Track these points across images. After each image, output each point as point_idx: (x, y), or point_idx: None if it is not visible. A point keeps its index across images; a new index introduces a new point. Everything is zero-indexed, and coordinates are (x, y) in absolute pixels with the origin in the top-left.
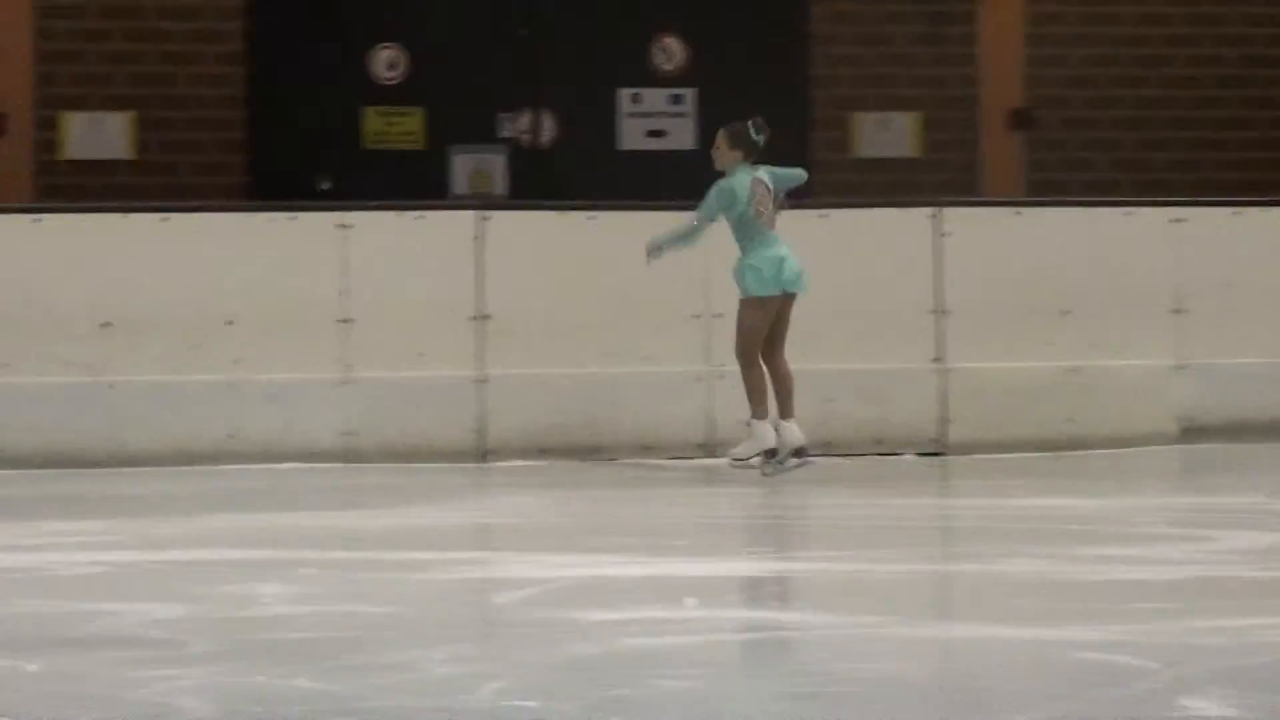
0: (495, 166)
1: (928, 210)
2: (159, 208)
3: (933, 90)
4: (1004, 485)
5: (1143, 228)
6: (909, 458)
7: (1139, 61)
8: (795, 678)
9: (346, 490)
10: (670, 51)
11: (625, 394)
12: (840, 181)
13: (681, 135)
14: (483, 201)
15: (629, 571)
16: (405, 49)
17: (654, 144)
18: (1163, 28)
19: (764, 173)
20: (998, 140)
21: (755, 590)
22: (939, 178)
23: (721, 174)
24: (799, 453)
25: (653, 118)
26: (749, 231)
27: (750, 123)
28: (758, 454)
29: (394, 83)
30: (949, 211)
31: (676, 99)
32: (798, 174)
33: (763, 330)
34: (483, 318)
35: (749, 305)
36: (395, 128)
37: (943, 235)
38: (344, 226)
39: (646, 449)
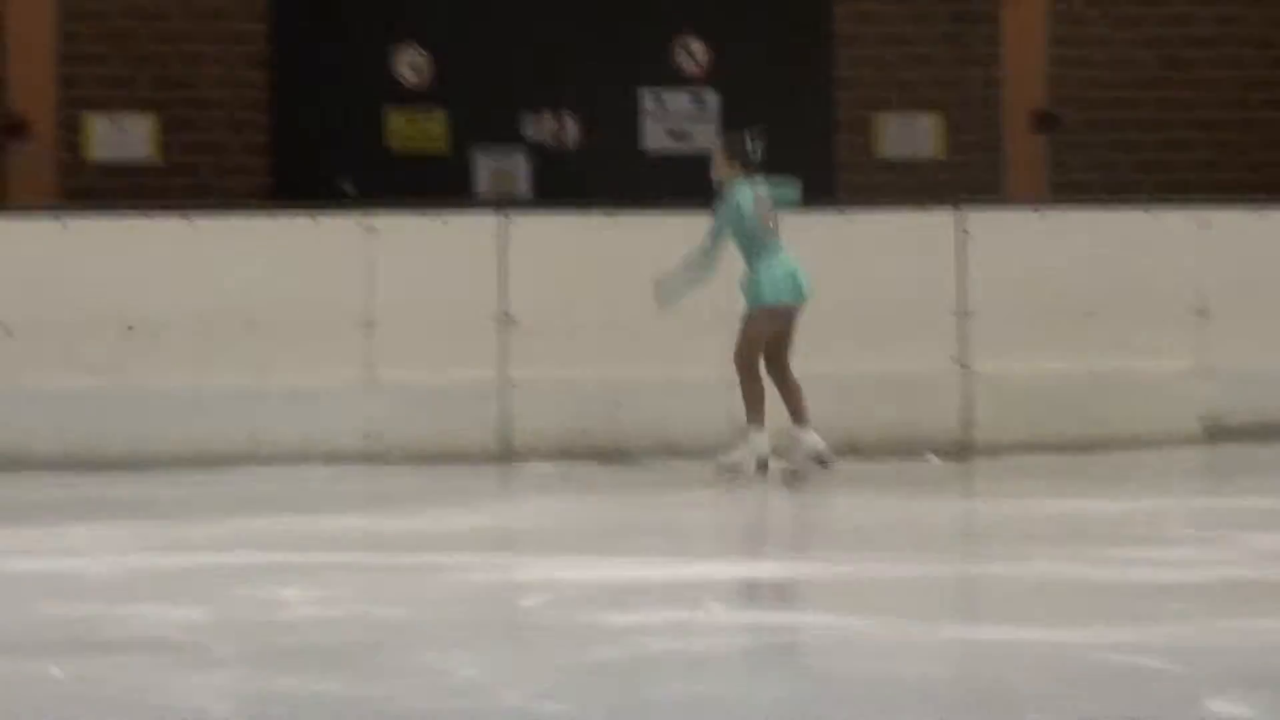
0: (518, 168)
1: (951, 211)
2: (182, 210)
3: (956, 91)
4: (1027, 487)
5: (1166, 229)
6: (932, 460)
7: (1162, 62)
8: (820, 680)
9: (370, 493)
10: (692, 53)
11: (648, 396)
12: (863, 182)
13: (704, 137)
14: (505, 203)
15: (653, 574)
16: (428, 51)
17: (676, 145)
18: (1186, 28)
19: (760, 184)
20: (1021, 141)
21: (779, 593)
22: (962, 178)
23: (712, 185)
24: (820, 458)
25: (675, 119)
26: (757, 243)
27: (746, 134)
28: (750, 461)
29: (417, 85)
30: (972, 213)
31: (699, 100)
32: (792, 192)
33: (765, 339)
34: (506, 319)
35: (759, 315)
36: (418, 129)
37: (966, 237)
38: (367, 228)
39: (670, 451)
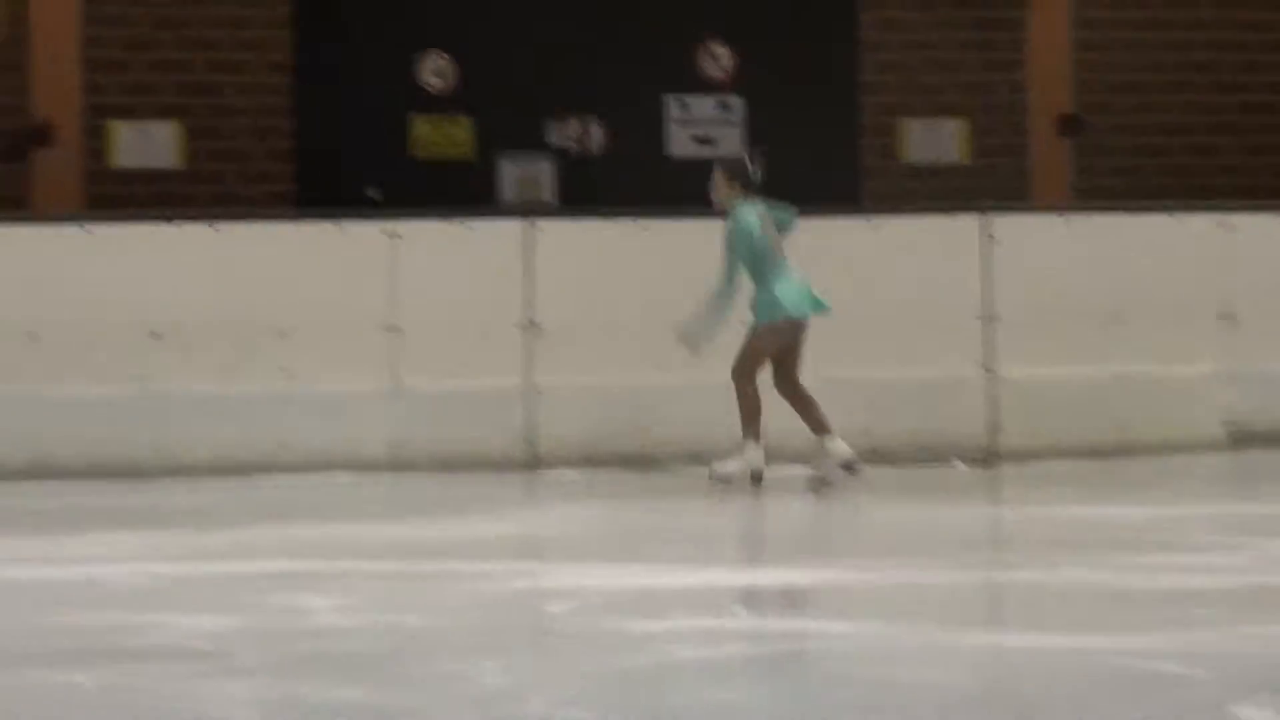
0: (543, 174)
1: (977, 217)
2: (207, 216)
3: (981, 96)
4: (1053, 493)
5: (1191, 233)
6: (959, 466)
7: (1187, 66)
8: (845, 687)
9: (396, 500)
10: (718, 58)
11: (674, 403)
12: (888, 188)
13: (729, 142)
14: (531, 209)
15: (679, 581)
16: (452, 57)
17: (702, 151)
18: (1210, 32)
19: (761, 206)
20: (1046, 146)
21: (805, 599)
22: (987, 184)
23: (708, 205)
24: (848, 465)
25: (700, 125)
26: (766, 263)
27: (747, 156)
28: (744, 473)
29: (441, 91)
30: (998, 218)
31: (724, 106)
32: (789, 216)
33: (766, 356)
34: (532, 326)
35: (764, 332)
36: (443, 136)
37: (991, 242)
38: (392, 235)
39: (696, 458)
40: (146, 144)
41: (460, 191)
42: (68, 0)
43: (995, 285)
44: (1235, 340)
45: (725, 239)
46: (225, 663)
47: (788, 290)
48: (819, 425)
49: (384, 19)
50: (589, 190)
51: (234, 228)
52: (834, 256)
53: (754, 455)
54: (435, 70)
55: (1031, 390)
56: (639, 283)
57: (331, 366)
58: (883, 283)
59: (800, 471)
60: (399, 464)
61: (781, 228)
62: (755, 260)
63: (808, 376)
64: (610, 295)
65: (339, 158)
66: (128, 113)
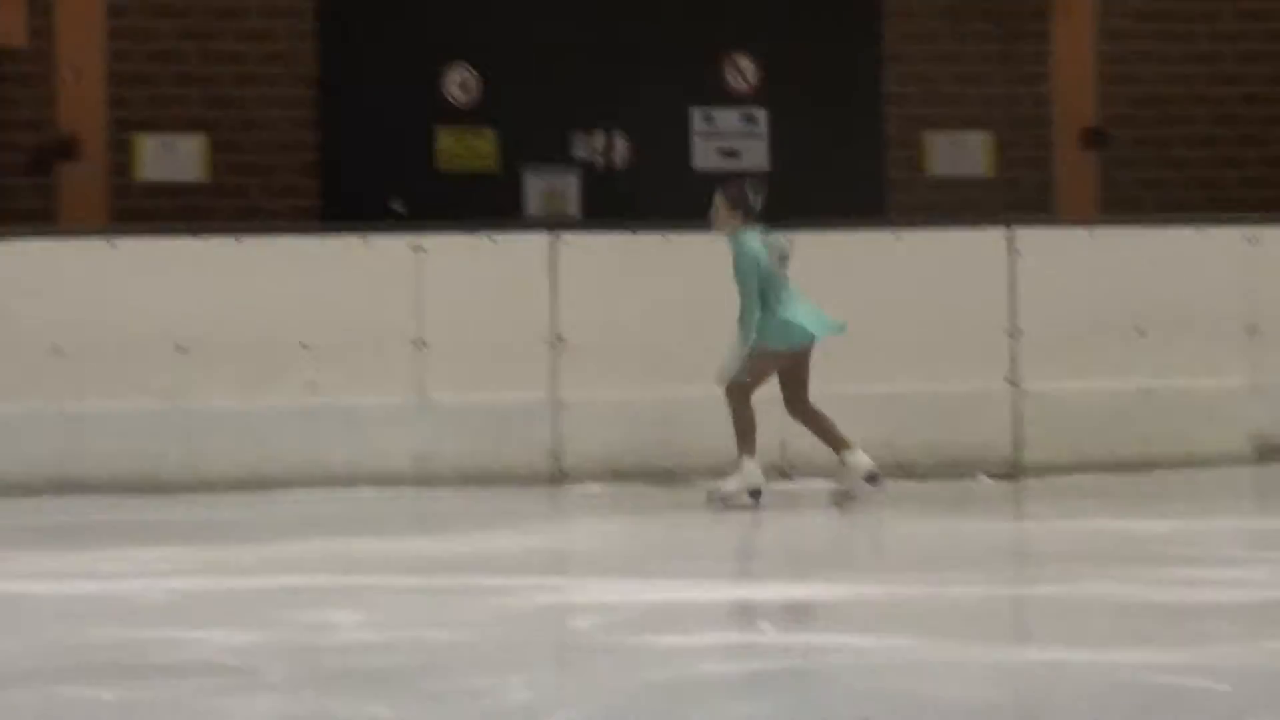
0: (568, 187)
1: (1001, 230)
2: (232, 230)
3: (1005, 109)
4: (1078, 506)
5: (1217, 247)
6: (983, 480)
7: (1212, 79)
8: (870, 701)
9: (421, 515)
10: (743, 71)
11: (700, 417)
12: (913, 201)
13: (754, 155)
14: (556, 222)
15: (704, 595)
16: (477, 70)
17: (727, 164)
18: (1235, 44)
19: (761, 233)
20: (1071, 159)
21: (829, 613)
22: (1012, 196)
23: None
24: (871, 478)
25: (725, 137)
26: (774, 289)
27: (747, 183)
28: (743, 490)
29: (466, 104)
30: (1022, 231)
31: (749, 118)
32: (785, 244)
33: (764, 379)
34: (557, 340)
35: (764, 355)
36: (468, 149)
37: (1016, 255)
38: (417, 249)
39: (721, 473)
40: (171, 157)
41: (485, 205)
42: (92, 13)
43: (1019, 298)
44: (1261, 354)
45: (735, 267)
46: (251, 678)
47: (786, 318)
48: (837, 442)
49: (409, 32)
50: (614, 203)
51: (259, 241)
52: (858, 269)
53: (752, 472)
54: (460, 83)
55: (1056, 404)
56: (664, 296)
57: (356, 380)
58: (906, 296)
59: (823, 486)
60: (424, 478)
61: (780, 255)
62: (763, 285)
63: (830, 391)
64: (635, 309)
65: (364, 171)
66: (152, 126)
